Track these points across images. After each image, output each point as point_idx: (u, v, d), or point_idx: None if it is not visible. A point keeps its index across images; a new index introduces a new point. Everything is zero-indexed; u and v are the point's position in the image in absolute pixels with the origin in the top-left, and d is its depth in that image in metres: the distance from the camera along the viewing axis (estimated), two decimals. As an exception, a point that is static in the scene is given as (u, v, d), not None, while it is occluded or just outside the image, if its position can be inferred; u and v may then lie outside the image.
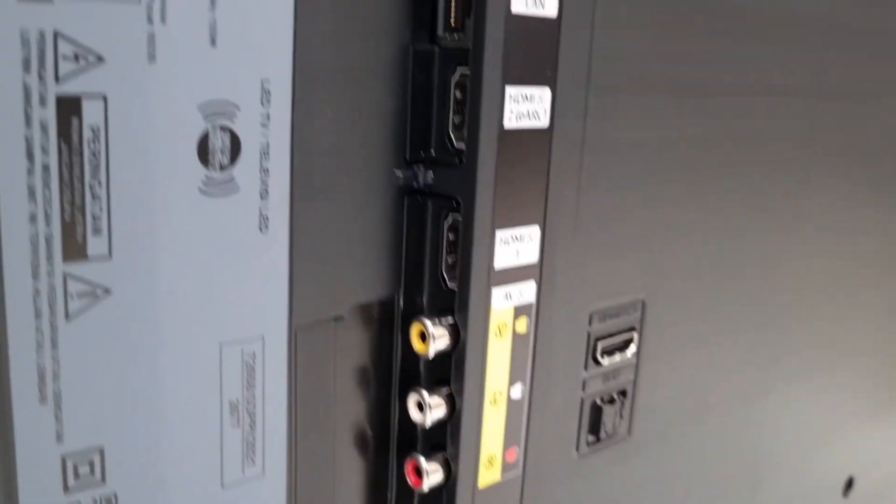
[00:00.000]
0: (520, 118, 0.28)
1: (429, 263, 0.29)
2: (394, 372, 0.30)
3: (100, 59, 0.22)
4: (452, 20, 0.28)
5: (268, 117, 0.25)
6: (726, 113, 0.37)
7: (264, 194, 0.25)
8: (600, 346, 0.34)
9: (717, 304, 0.40)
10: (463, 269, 0.28)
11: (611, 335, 0.35)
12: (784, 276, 0.44)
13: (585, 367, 0.34)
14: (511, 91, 0.28)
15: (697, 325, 0.39)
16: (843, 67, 0.43)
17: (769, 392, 0.45)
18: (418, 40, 0.28)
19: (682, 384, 0.39)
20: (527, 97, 0.28)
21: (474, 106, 0.27)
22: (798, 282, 0.45)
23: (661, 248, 0.36)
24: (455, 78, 0.28)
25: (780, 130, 0.40)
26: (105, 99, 0.22)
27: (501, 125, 0.28)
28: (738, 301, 0.41)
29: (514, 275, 0.29)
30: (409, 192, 0.29)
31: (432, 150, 0.29)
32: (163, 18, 0.22)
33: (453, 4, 0.28)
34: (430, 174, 0.28)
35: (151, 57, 0.22)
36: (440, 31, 0.28)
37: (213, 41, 0.23)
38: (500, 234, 0.29)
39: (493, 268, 0.29)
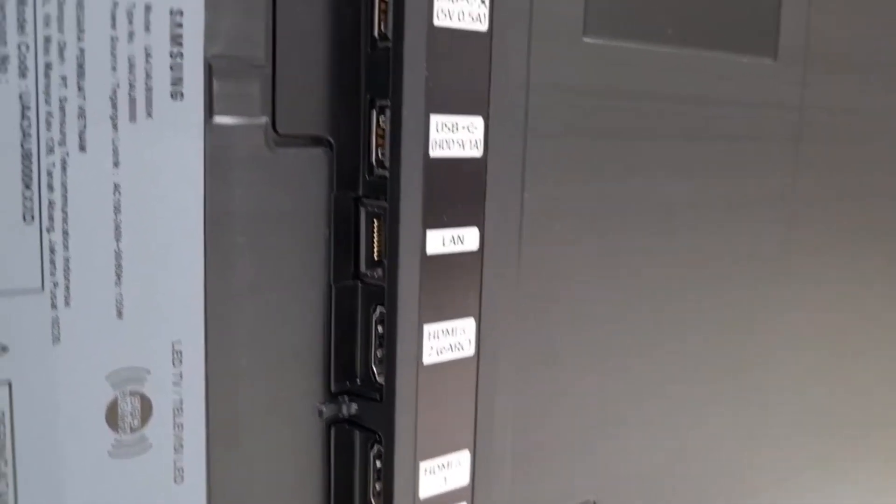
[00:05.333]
0: (441, 352, 0.29)
1: (358, 492, 0.30)
2: None
3: (3, 349, 0.23)
4: (375, 255, 0.29)
5: (180, 376, 0.26)
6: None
7: (178, 448, 0.26)
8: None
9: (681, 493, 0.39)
10: (385, 502, 0.28)
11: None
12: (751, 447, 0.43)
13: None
14: (430, 328, 0.28)
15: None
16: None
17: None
18: (341, 277, 0.29)
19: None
20: (448, 331, 0.29)
21: (390, 345, 0.28)
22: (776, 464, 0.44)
23: (611, 443, 0.35)
24: (376, 315, 0.29)
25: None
26: (10, 385, 0.23)
27: (420, 361, 0.28)
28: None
29: (443, 501, 0.30)
30: (336, 422, 0.29)
31: (357, 381, 0.29)
32: (67, 302, 0.24)
33: (375, 241, 0.29)
34: (354, 406, 0.29)
35: (56, 339, 0.24)
36: (363, 268, 0.29)
37: (119, 314, 0.24)
38: (425, 465, 0.29)
39: (418, 498, 0.29)
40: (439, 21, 0.27)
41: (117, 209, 0.24)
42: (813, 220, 0.41)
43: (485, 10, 0.28)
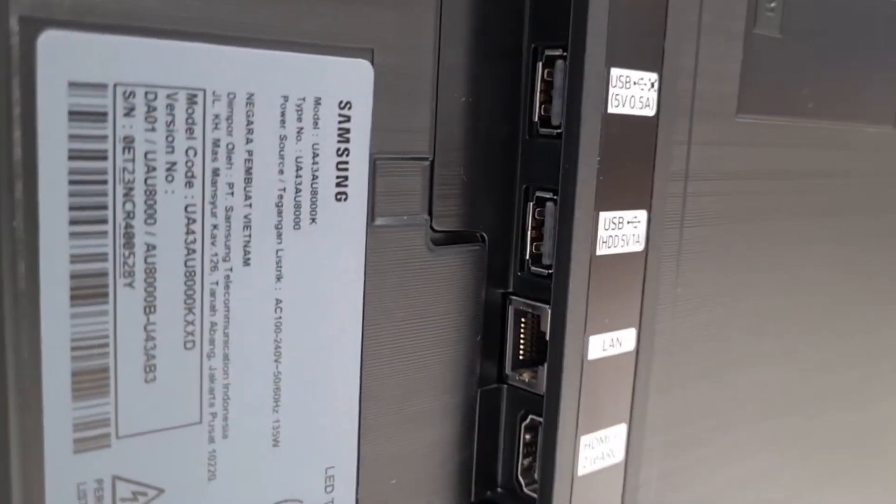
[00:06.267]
0: (594, 461, 0.26)
1: None
2: None
3: (160, 491, 0.20)
4: (521, 355, 0.27)
5: (332, 502, 0.23)
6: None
7: (327, 582, 0.23)
8: None
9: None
10: None
11: None
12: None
13: None
14: (586, 439, 0.26)
15: None
16: None
17: None
18: (486, 380, 0.26)
19: None
20: (602, 439, 0.26)
21: (547, 459, 0.25)
22: None
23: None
24: (526, 422, 0.26)
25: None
26: (162, 530, 0.20)
27: (575, 473, 0.26)
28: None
29: None
30: (477, 534, 0.27)
31: (498, 489, 0.27)
32: (224, 434, 0.21)
33: (522, 341, 0.27)
34: (498, 519, 0.27)
35: (212, 476, 0.21)
36: (508, 369, 0.27)
37: (275, 442, 0.22)
38: (574, 585, 0.27)
39: None
40: (613, 108, 0.24)
41: (278, 327, 0.21)
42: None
43: (654, 95, 0.25)
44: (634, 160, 0.25)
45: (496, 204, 0.26)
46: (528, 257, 0.26)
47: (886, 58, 0.35)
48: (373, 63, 0.22)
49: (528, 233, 0.26)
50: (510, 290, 0.26)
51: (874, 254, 0.37)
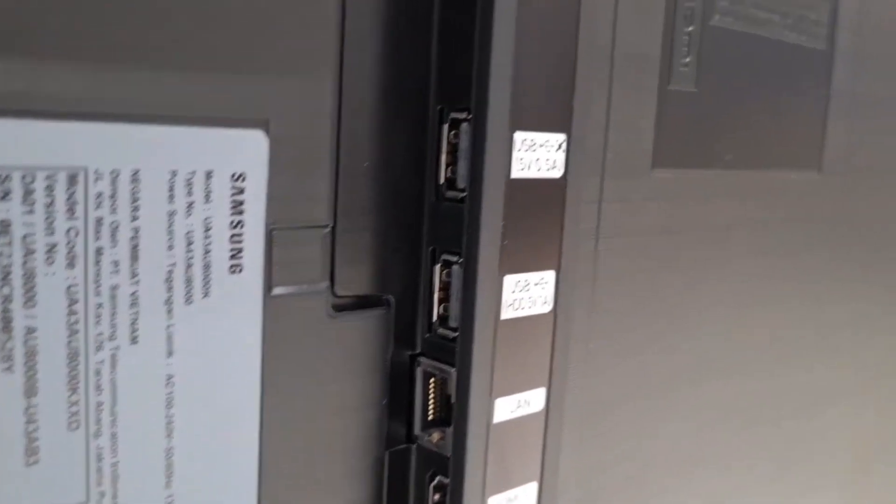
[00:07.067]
0: (504, 518, 0.26)
1: None
2: None
3: (41, 575, 0.20)
4: (430, 416, 0.27)
5: (230, 575, 0.23)
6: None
7: None
8: None
9: None
10: None
11: None
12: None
13: None
14: (494, 500, 0.26)
15: None
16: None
17: None
18: (394, 441, 0.26)
19: None
20: (511, 499, 0.26)
21: (454, 520, 0.25)
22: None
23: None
24: (434, 483, 0.26)
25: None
26: None
27: (483, 533, 0.26)
28: None
29: None
30: None
31: (412, 546, 0.27)
32: (113, 513, 0.21)
33: (431, 402, 0.26)
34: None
35: (100, 556, 0.21)
36: (417, 429, 0.26)
37: (169, 518, 0.22)
38: None
39: None
40: (517, 172, 0.24)
41: (169, 403, 0.21)
42: (865, 330, 0.40)
43: (561, 156, 0.25)
44: (541, 222, 0.25)
45: (403, 267, 0.25)
46: (435, 319, 0.26)
47: (806, 103, 0.35)
48: (268, 133, 0.22)
49: (436, 295, 0.26)
50: (418, 351, 0.26)
51: (798, 297, 0.37)
